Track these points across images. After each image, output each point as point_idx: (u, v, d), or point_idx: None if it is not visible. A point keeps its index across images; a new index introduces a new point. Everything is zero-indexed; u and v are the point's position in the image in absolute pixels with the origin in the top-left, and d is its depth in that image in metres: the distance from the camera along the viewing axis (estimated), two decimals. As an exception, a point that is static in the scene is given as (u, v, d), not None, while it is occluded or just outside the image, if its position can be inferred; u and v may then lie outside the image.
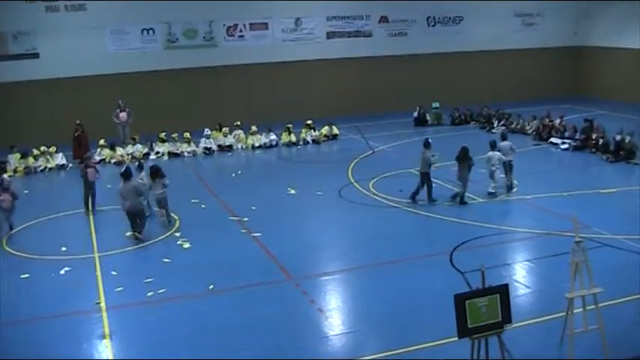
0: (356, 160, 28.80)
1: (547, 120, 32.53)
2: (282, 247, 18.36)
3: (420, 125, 36.61)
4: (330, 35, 40.70)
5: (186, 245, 18.88)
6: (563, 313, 11.91)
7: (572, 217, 12.23)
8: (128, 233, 19.74)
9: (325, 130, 34.30)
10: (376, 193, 23.57)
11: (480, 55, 43.22)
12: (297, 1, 39.31)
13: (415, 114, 37.20)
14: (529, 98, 41.70)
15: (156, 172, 20.64)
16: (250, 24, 38.90)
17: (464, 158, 21.92)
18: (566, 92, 43.70)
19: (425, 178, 22.03)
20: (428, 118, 37.38)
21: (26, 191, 25.69)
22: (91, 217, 21.98)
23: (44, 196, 25.93)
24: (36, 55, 34.82)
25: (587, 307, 11.78)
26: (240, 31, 38.79)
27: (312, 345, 12.95)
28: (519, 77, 43.88)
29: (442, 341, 12.37)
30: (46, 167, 29.68)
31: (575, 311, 11.62)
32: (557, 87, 44.27)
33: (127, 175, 19.53)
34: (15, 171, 28.88)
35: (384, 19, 41.71)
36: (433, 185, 22.19)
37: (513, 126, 33.57)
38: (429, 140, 22.46)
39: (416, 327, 13.39)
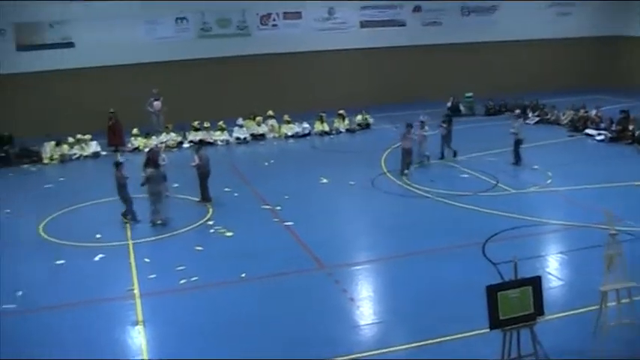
0: (388, 150, 28.66)
1: (582, 111, 32.17)
2: (315, 237, 18.40)
3: (453, 115, 36.27)
4: (363, 24, 40.60)
5: (229, 234, 18.97)
6: (596, 307, 11.83)
7: (605, 209, 12.12)
8: (159, 221, 20.02)
9: (359, 119, 34.24)
10: (409, 183, 23.50)
11: (514, 45, 42.78)
12: (330, -10, 39.27)
13: (448, 104, 36.96)
14: (565, 89, 41.11)
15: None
16: (284, 13, 38.92)
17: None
18: (603, 83, 42.94)
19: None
20: (461, 108, 37.18)
21: (62, 178, 26.16)
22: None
23: (79, 183, 26.10)
24: (71, 45, 35.18)
25: (621, 301, 11.68)
26: (274, 20, 38.84)
27: (343, 334, 12.99)
28: (554, 67, 43.35)
29: (473, 332, 12.31)
30: (80, 155, 29.98)
31: (608, 304, 11.51)
32: (593, 77, 43.54)
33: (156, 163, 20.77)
34: (50, 159, 29.25)
35: (417, 9, 41.52)
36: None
37: (548, 117, 33.24)
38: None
39: (446, 318, 13.33)
